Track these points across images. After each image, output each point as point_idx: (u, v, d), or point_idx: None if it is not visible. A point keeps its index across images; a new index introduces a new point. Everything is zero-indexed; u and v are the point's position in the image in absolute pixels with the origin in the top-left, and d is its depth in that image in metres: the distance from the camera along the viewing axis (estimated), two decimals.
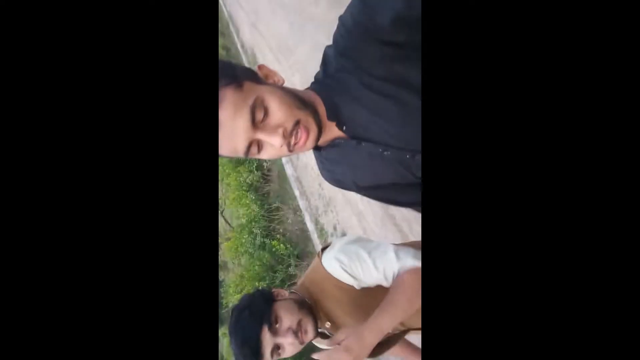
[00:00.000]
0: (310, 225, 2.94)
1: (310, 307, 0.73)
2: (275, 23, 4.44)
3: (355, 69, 0.48)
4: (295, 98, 0.49)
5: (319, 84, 0.53)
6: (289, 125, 0.47)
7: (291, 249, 3.06)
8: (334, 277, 0.73)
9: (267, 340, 0.68)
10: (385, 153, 0.52)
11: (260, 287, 0.79)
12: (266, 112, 0.46)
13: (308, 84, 0.55)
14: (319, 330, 0.73)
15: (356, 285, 0.72)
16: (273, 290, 0.76)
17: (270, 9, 4.73)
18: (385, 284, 0.71)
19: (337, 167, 0.58)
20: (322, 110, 0.51)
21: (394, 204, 0.62)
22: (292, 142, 0.48)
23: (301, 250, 3.07)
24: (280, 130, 0.46)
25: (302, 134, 0.48)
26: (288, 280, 2.98)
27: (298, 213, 3.14)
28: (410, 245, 0.77)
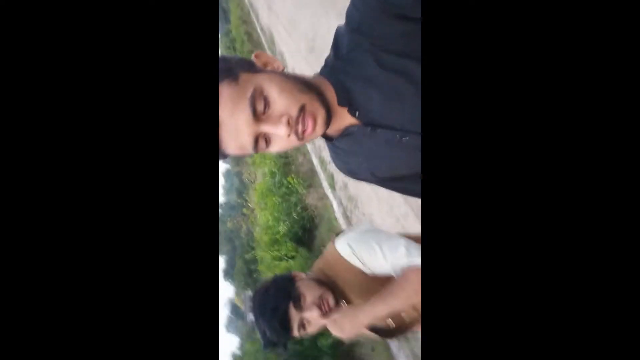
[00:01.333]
0: (315, 160, 3.81)
1: (327, 283, 0.77)
2: (285, 4, 5.19)
3: (370, 46, 0.45)
4: (297, 82, 0.46)
5: (328, 68, 0.50)
6: (294, 112, 0.43)
7: (302, 181, 3.95)
8: (346, 260, 0.76)
9: (294, 316, 0.72)
10: (403, 139, 0.48)
11: (280, 274, 0.86)
12: (267, 102, 0.43)
13: (322, 62, 0.51)
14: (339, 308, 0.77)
15: (366, 271, 0.76)
16: (292, 273, 0.80)
17: None
18: (393, 275, 0.74)
19: (351, 157, 0.54)
20: (330, 94, 0.48)
21: (416, 196, 0.56)
22: (300, 129, 0.44)
23: (309, 182, 3.95)
24: (285, 119, 0.43)
25: (308, 120, 0.44)
26: (300, 203, 3.89)
27: (306, 156, 4.02)
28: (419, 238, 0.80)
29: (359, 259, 0.75)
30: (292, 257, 3.69)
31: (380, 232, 0.79)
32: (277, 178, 4.34)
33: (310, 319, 0.73)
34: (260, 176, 5.20)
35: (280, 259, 3.79)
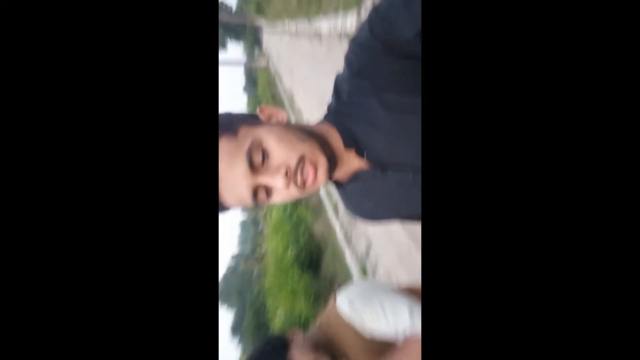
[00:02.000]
0: (322, 191, 4.31)
1: (325, 346, 0.71)
2: (303, 68, 6.23)
3: (372, 88, 0.44)
4: (298, 131, 0.45)
5: (331, 114, 0.48)
6: (292, 163, 0.42)
7: (310, 212, 4.42)
8: (348, 320, 0.72)
9: None
10: (416, 179, 0.46)
11: (274, 335, 0.79)
12: (266, 154, 0.42)
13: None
14: None
15: (364, 333, 0.70)
16: (287, 335, 0.74)
17: (300, 59, 6.61)
18: (394, 337, 0.70)
19: (364, 202, 0.52)
20: (334, 139, 0.46)
21: None
22: (299, 180, 0.43)
23: (316, 214, 4.39)
24: (283, 170, 0.42)
25: (309, 170, 0.42)
26: (307, 229, 4.30)
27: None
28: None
29: (358, 318, 0.71)
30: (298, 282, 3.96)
31: (384, 290, 0.75)
32: (289, 211, 4.83)
33: None
34: (274, 212, 5.69)
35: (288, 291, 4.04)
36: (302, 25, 6.41)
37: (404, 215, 0.53)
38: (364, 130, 0.46)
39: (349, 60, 0.45)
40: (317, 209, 4.46)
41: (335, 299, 0.75)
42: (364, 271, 3.08)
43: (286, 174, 0.42)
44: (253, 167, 0.42)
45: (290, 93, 7.63)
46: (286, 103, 7.71)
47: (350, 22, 3.46)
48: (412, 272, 2.28)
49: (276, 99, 9.04)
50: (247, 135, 0.42)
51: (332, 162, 0.45)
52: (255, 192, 0.43)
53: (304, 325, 3.50)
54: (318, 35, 5.07)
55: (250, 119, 0.45)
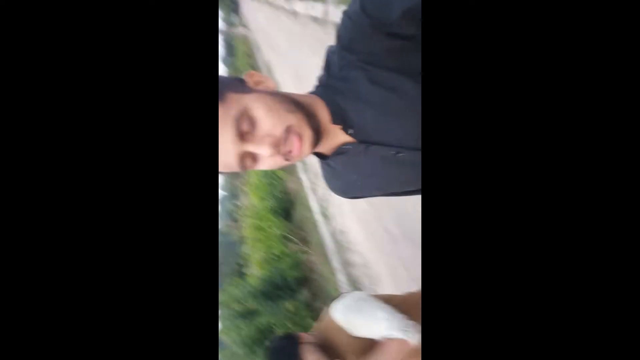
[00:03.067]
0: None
1: (326, 348, 0.88)
2: (281, 42, 6.74)
3: (360, 63, 0.45)
4: (286, 101, 0.46)
5: (322, 87, 0.50)
6: (279, 132, 0.44)
7: (284, 172, 5.16)
8: (342, 328, 0.89)
9: None
10: (399, 155, 0.48)
11: (289, 332, 0.96)
12: (253, 122, 0.43)
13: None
14: None
15: (356, 334, 0.88)
16: (299, 334, 0.92)
17: (278, 33, 7.10)
18: (377, 338, 0.86)
19: (345, 176, 0.54)
20: (322, 113, 0.48)
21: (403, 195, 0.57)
22: (285, 150, 0.44)
23: (289, 172, 5.14)
24: (269, 139, 0.44)
25: (294, 141, 0.44)
26: (281, 185, 5.06)
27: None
28: (408, 309, 0.89)
29: (349, 324, 0.88)
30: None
31: (370, 302, 0.89)
32: (266, 172, 5.56)
33: None
34: (253, 174, 6.40)
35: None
36: (279, 1, 6.84)
37: (384, 191, 0.55)
38: (352, 105, 0.47)
39: (339, 33, 0.47)
40: (290, 167, 5.22)
41: (329, 310, 0.92)
42: (323, 214, 3.94)
43: (272, 143, 0.44)
44: (240, 135, 0.43)
45: (269, 65, 8.09)
46: (265, 74, 8.18)
47: (319, 8, 4.09)
48: (355, 205, 3.09)
49: (255, 70, 9.45)
50: (235, 103, 0.43)
51: (317, 135, 0.47)
52: (242, 159, 0.45)
53: (279, 263, 4.29)
54: (294, 13, 5.57)
55: (238, 85, 0.46)
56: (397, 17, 0.41)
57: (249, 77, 0.49)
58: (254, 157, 0.46)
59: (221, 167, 0.45)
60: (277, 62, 7.13)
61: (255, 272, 4.74)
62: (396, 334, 0.86)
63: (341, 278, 3.25)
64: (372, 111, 0.47)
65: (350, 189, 0.57)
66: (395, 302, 0.91)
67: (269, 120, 0.44)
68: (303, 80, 4.57)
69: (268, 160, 0.46)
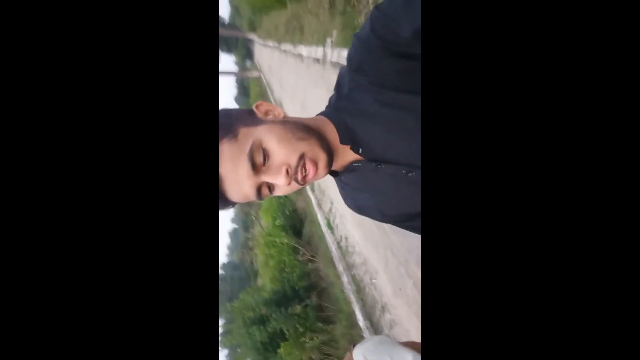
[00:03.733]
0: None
1: None
2: (290, 81, 7.55)
3: (370, 85, 0.46)
4: (297, 129, 0.47)
5: (331, 108, 0.51)
6: (293, 162, 0.45)
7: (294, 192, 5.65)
8: None
9: None
10: (410, 175, 0.48)
11: None
12: (266, 154, 0.45)
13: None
14: None
15: None
16: None
17: (287, 73, 7.95)
18: None
19: (359, 193, 0.54)
20: (332, 134, 0.49)
21: None
22: (300, 177, 0.46)
23: (298, 192, 5.59)
24: (284, 169, 0.45)
25: (309, 167, 0.46)
26: (291, 205, 5.48)
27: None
28: None
29: None
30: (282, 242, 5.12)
31: (392, 345, 0.92)
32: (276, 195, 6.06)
33: None
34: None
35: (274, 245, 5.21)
36: (287, 46, 7.77)
37: (393, 213, 0.54)
38: (360, 125, 0.48)
39: (350, 55, 0.48)
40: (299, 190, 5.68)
41: (351, 354, 0.93)
42: (329, 225, 4.30)
43: (287, 172, 0.45)
44: (255, 168, 0.45)
45: (280, 102, 8.92)
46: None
47: (320, 52, 4.79)
48: (362, 221, 3.40)
49: None
50: (247, 137, 0.45)
51: (331, 156, 0.48)
52: (259, 189, 0.46)
53: (289, 273, 4.62)
54: (300, 56, 6.37)
55: (248, 117, 0.48)
56: (408, 37, 0.42)
57: (258, 108, 0.50)
58: (270, 187, 0.47)
59: (240, 199, 0.47)
60: (286, 98, 7.93)
61: (268, 285, 5.03)
62: None
63: (345, 280, 3.54)
64: (381, 130, 0.47)
65: (363, 206, 0.57)
66: (415, 348, 0.92)
67: (282, 151, 0.46)
68: (309, 110, 5.17)
69: (284, 188, 0.47)
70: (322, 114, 0.52)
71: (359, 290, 3.28)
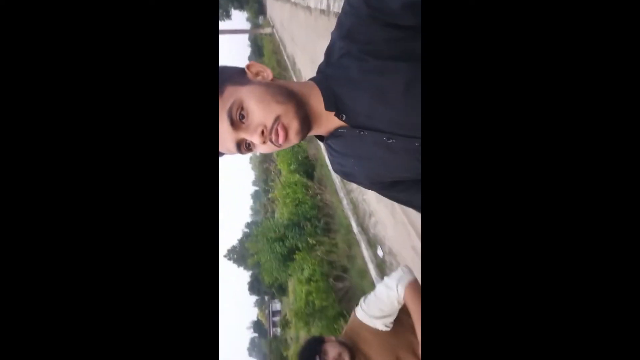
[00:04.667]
0: None
1: (349, 347, 1.03)
2: (301, 35, 7.87)
3: (358, 53, 0.47)
4: (278, 92, 0.49)
5: (320, 74, 0.52)
6: (269, 123, 0.48)
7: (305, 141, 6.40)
8: (365, 324, 1.05)
9: None
10: (390, 142, 0.50)
11: (316, 335, 1.13)
12: (245, 113, 0.48)
13: None
14: None
15: (380, 326, 1.03)
16: (324, 336, 1.09)
17: (298, 27, 8.24)
18: (399, 298, 1.01)
19: (345, 159, 0.57)
20: (315, 100, 0.51)
21: (415, 209, 0.61)
22: (274, 138, 0.48)
23: (309, 140, 6.34)
24: (260, 129, 0.48)
25: (280, 132, 0.48)
26: (304, 152, 6.25)
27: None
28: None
29: (372, 315, 1.04)
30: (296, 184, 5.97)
31: (385, 290, 1.06)
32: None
33: None
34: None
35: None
36: None
37: (377, 179, 0.58)
38: (345, 92, 0.50)
39: (340, 19, 0.49)
40: (309, 137, 6.39)
41: (354, 312, 1.11)
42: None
43: (262, 132, 0.48)
44: (233, 124, 0.48)
45: (293, 57, 9.27)
46: (289, 66, 9.39)
47: (324, 2, 5.17)
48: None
49: (281, 65, 10.70)
50: (231, 95, 0.48)
51: (306, 123, 0.50)
52: (238, 145, 0.50)
53: (302, 206, 5.52)
54: (308, 8, 6.65)
55: (237, 76, 0.51)
56: (397, 8, 0.43)
57: (249, 69, 0.52)
58: (249, 144, 0.51)
59: (225, 151, 0.51)
60: (298, 52, 8.30)
61: (285, 214, 6.03)
62: (409, 276, 1.04)
63: (345, 202, 4.38)
64: (366, 98, 0.49)
65: (348, 171, 0.60)
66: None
67: (259, 112, 0.48)
68: (317, 64, 5.56)
69: (261, 146, 0.50)
70: (312, 79, 0.54)
71: (355, 207, 4.17)
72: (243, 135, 0.49)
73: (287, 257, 5.00)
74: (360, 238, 3.85)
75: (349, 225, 4.20)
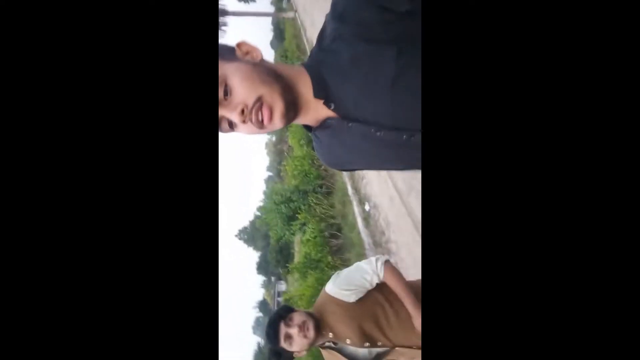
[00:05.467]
0: None
1: (315, 318, 1.11)
2: (321, 19, 8.29)
3: (350, 36, 0.46)
4: (264, 72, 0.48)
5: (311, 59, 0.52)
6: (250, 102, 0.47)
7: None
8: (333, 297, 1.13)
9: (282, 329, 1.09)
10: (378, 134, 0.49)
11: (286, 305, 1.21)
12: (228, 90, 0.47)
13: None
14: (327, 341, 1.12)
15: (350, 298, 1.11)
16: (294, 307, 1.17)
17: (318, 12, 8.66)
18: (375, 278, 1.11)
19: (332, 149, 0.56)
20: (303, 85, 0.50)
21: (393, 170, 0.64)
22: (255, 119, 0.47)
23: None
24: (240, 107, 0.47)
25: (265, 112, 0.47)
26: None
27: None
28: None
29: (341, 288, 1.14)
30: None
31: (355, 266, 1.18)
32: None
33: (292, 335, 1.08)
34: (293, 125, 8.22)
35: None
36: None
37: (369, 168, 0.60)
38: (334, 80, 0.49)
39: (334, 2, 0.49)
40: None
41: (324, 289, 1.20)
42: None
43: (242, 111, 0.47)
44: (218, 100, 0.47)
45: (312, 41, 9.69)
46: (308, 50, 9.85)
47: None
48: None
49: (300, 48, 11.12)
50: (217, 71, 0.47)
51: (292, 107, 0.49)
52: (220, 122, 0.49)
53: (309, 177, 6.15)
54: None
55: (227, 53, 0.50)
56: None
57: (239, 47, 0.52)
58: (230, 123, 0.50)
59: None
60: (316, 36, 8.72)
61: (292, 182, 6.69)
62: (382, 258, 1.15)
63: (346, 180, 4.98)
64: (354, 88, 0.48)
65: (337, 162, 0.60)
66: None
67: (241, 90, 0.48)
68: None
69: (242, 126, 0.49)
70: (302, 64, 0.54)
71: (352, 176, 4.76)
72: (223, 112, 0.49)
73: (292, 217, 5.73)
74: (353, 198, 4.47)
75: (345, 188, 4.82)
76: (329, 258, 4.61)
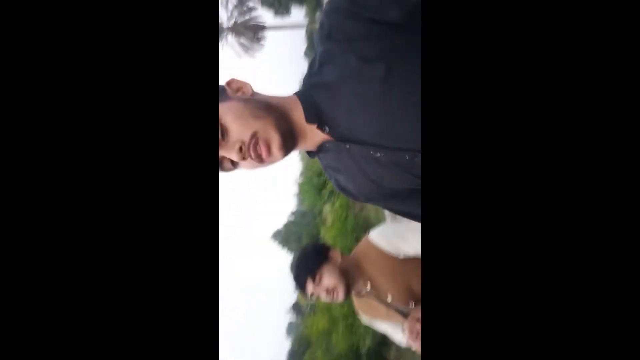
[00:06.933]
0: None
1: (349, 277, 0.99)
2: None
3: (341, 53, 0.47)
4: (256, 107, 0.49)
5: (303, 85, 0.52)
6: (246, 139, 0.48)
7: None
8: (379, 248, 1.00)
9: (309, 287, 1.00)
10: (377, 155, 0.49)
11: (322, 243, 1.09)
12: (224, 130, 0.48)
13: None
14: (363, 290, 1.00)
15: (396, 253, 0.99)
16: (331, 250, 1.02)
17: None
18: (411, 254, 0.98)
19: (338, 174, 0.56)
20: (297, 113, 0.50)
21: (415, 220, 0.59)
22: (254, 154, 0.48)
23: None
24: (237, 146, 0.48)
25: (262, 147, 0.48)
26: None
27: None
28: None
29: (391, 245, 1.00)
30: None
31: (407, 222, 0.92)
32: None
33: (320, 296, 1.00)
34: None
35: None
36: None
37: (373, 195, 0.56)
38: (326, 102, 0.50)
39: (321, 23, 0.49)
40: None
41: (368, 236, 1.08)
42: None
43: (240, 149, 0.49)
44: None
45: None
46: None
47: None
48: None
49: None
50: None
51: (290, 136, 0.50)
52: (221, 163, 0.51)
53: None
54: None
55: (219, 93, 0.51)
56: (377, 1, 0.44)
57: (229, 85, 0.53)
58: (232, 161, 0.51)
59: None
60: None
61: None
62: None
63: None
64: (346, 108, 0.49)
65: (343, 185, 0.58)
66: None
67: (236, 128, 0.49)
68: None
69: (243, 163, 0.51)
70: (295, 93, 0.54)
71: None
72: (222, 153, 0.50)
73: (323, 187, 7.07)
74: None
75: None
76: (352, 220, 5.51)
